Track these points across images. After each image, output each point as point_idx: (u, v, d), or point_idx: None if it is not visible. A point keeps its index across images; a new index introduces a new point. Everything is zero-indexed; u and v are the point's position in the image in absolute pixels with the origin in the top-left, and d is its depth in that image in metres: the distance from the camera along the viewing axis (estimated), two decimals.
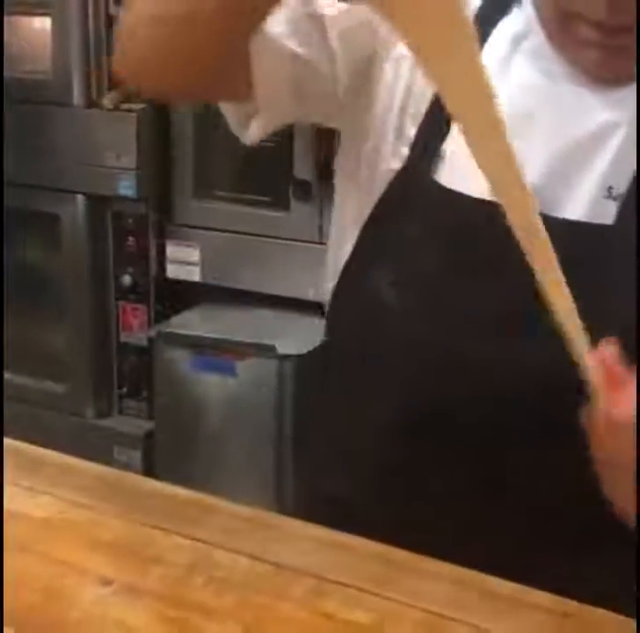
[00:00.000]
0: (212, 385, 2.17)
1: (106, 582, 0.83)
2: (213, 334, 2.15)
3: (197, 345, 2.15)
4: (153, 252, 2.24)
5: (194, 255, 2.21)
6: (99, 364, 2.35)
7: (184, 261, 2.23)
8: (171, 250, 2.23)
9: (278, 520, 0.96)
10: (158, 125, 2.17)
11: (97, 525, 0.90)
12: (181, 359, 2.18)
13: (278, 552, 0.89)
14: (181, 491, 0.98)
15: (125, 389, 2.36)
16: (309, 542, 0.92)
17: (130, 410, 2.36)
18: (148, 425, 2.31)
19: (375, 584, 0.86)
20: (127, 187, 2.14)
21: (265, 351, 2.10)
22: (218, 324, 2.19)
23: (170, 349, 2.19)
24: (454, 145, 0.90)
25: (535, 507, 0.92)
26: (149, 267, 2.25)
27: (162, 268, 2.26)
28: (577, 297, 0.76)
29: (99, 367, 2.35)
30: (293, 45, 0.89)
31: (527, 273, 0.75)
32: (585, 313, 0.76)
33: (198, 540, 0.90)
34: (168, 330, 2.20)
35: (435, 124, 0.91)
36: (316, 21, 0.89)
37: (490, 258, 0.88)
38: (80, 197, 2.21)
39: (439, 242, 0.92)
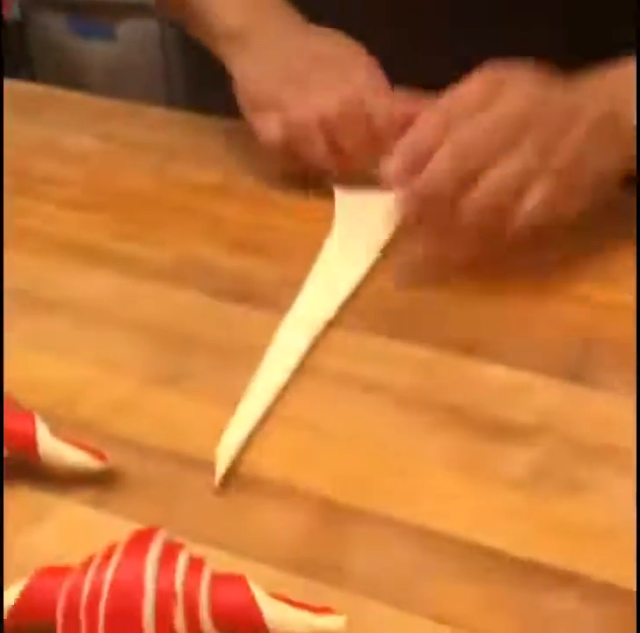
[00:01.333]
0: (93, 52, 2.10)
1: None
2: None
3: (71, 8, 2.06)
4: None
5: None
6: None
7: None
8: None
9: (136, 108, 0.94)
10: None
11: None
12: (57, 26, 2.09)
13: (124, 133, 0.88)
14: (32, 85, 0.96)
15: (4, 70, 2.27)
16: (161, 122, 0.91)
17: None
18: None
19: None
20: None
21: (145, 11, 2.02)
22: None
23: (43, 16, 2.10)
24: None
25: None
26: None
27: None
28: None
29: None
30: None
31: None
32: None
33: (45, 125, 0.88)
34: None
35: None
36: None
37: None
38: None
39: None
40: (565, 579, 0.49)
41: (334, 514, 0.52)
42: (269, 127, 0.78)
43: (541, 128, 0.66)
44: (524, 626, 0.47)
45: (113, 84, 2.10)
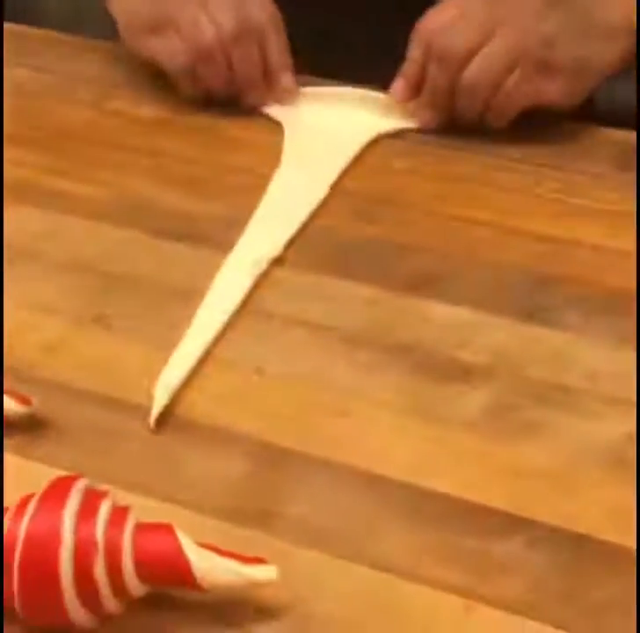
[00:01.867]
0: None
1: None
2: None
3: None
4: None
5: None
6: None
7: None
8: None
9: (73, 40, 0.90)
10: None
11: None
12: None
13: (60, 65, 0.85)
14: None
15: None
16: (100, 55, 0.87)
17: None
18: None
19: None
20: None
21: None
22: None
23: None
24: None
25: None
26: None
27: None
28: None
29: None
30: None
31: None
32: None
33: None
34: None
35: None
36: None
37: None
38: None
39: None
40: (514, 524, 0.46)
41: (273, 459, 0.50)
42: (173, 50, 0.76)
43: (512, 19, 0.73)
44: (469, 573, 0.44)
45: (73, 23, 2.04)
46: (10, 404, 0.51)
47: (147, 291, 0.61)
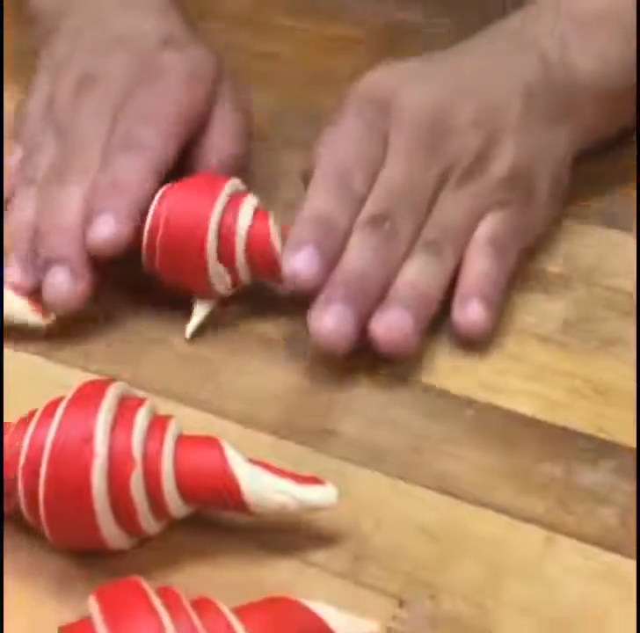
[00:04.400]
0: None
1: None
2: None
3: None
4: None
5: None
6: None
7: None
8: None
9: None
10: None
11: None
12: None
13: None
14: None
15: None
16: None
17: None
18: None
19: None
20: None
21: None
22: None
23: None
24: None
25: None
26: None
27: None
28: None
29: None
30: None
31: None
32: None
33: None
34: None
35: None
36: None
37: None
38: None
39: None
40: (599, 449, 0.43)
41: (327, 368, 0.46)
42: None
43: (461, 137, 0.49)
44: (550, 501, 0.41)
45: None
46: (30, 316, 0.47)
47: None
